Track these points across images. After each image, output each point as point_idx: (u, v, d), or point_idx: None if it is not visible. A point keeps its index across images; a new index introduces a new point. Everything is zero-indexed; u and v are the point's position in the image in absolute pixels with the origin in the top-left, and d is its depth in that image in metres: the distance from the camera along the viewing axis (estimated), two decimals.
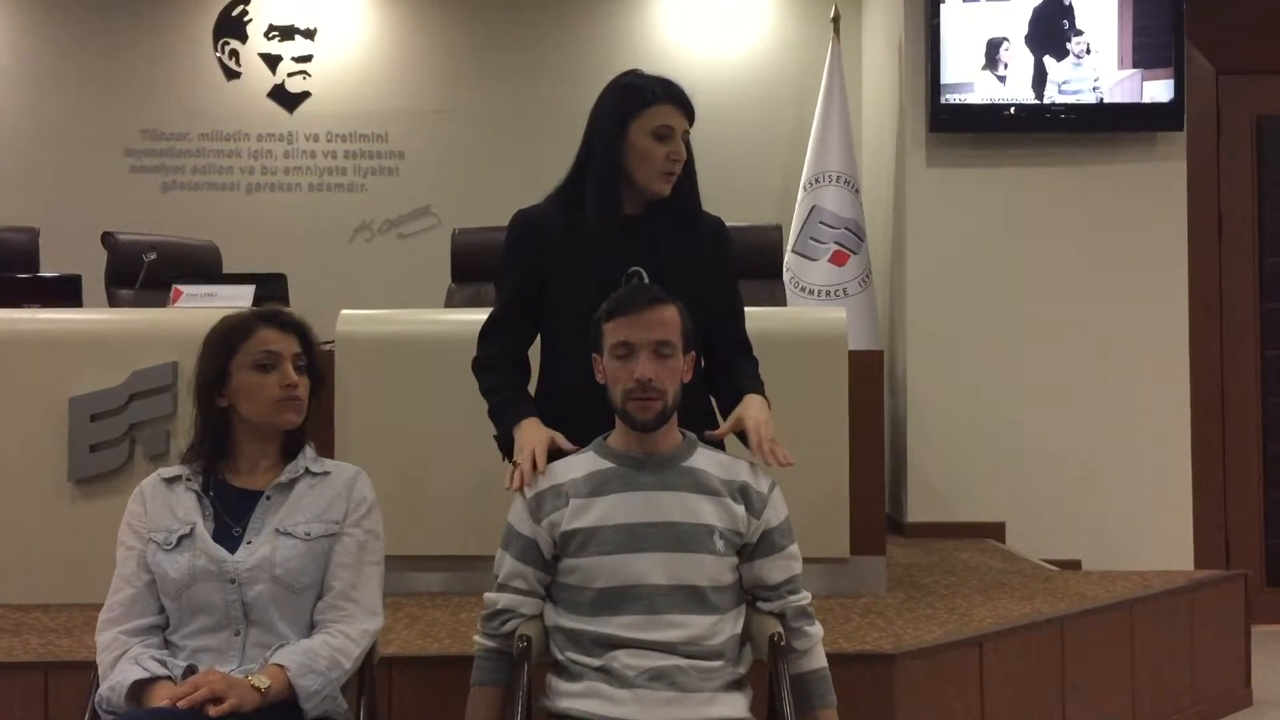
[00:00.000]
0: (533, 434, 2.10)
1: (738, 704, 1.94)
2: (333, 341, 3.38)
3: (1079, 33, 4.58)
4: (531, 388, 2.30)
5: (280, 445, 2.06)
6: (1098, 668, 3.17)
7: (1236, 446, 4.90)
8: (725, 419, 2.18)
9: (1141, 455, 4.59)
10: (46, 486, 3.27)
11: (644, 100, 2.20)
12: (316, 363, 2.08)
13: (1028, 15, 4.58)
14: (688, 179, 2.26)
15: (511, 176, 5.57)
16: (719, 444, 2.12)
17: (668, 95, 2.21)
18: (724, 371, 2.28)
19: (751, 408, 2.14)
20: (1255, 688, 3.68)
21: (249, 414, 2.01)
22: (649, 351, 1.96)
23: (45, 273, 4.27)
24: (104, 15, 5.58)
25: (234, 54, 5.63)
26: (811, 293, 4.80)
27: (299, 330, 2.06)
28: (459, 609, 3.16)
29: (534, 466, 2.03)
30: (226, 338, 2.03)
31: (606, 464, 2.02)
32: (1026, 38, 4.58)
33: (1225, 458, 4.88)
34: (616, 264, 2.22)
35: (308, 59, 5.64)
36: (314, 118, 5.64)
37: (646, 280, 2.20)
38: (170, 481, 2.03)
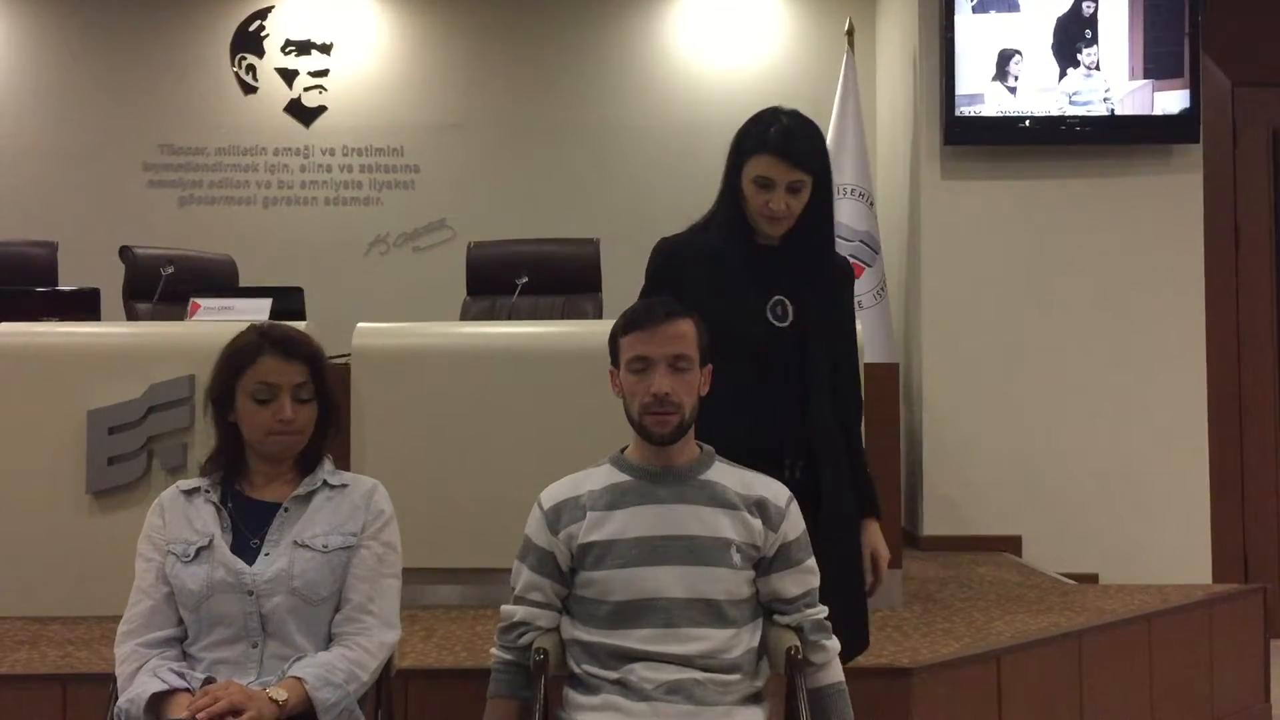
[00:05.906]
0: None
1: (755, 718, 1.93)
2: (348, 355, 3.39)
3: (1091, 43, 4.57)
4: None
5: (296, 459, 2.06)
6: (1116, 682, 3.15)
7: (1254, 458, 4.89)
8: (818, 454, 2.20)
9: (1158, 468, 4.56)
10: (64, 499, 3.29)
11: (748, 148, 2.21)
12: (328, 388, 2.06)
13: (1048, 25, 4.57)
14: (813, 216, 2.24)
15: (526, 190, 5.62)
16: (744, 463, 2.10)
17: (768, 146, 2.18)
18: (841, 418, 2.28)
19: (878, 540, 2.27)
20: (1275, 702, 3.65)
21: (247, 438, 2.02)
22: (666, 366, 1.97)
23: (64, 286, 4.30)
24: (122, 31, 5.63)
25: (251, 69, 5.67)
26: None
27: (307, 358, 2.03)
28: (475, 621, 3.17)
29: None
30: (233, 360, 2.02)
31: (624, 477, 2.02)
32: (1052, 47, 4.57)
33: (1243, 470, 4.86)
34: (761, 292, 2.21)
35: (324, 74, 5.68)
36: (330, 132, 5.67)
37: (791, 311, 2.20)
38: (189, 494, 2.04)
